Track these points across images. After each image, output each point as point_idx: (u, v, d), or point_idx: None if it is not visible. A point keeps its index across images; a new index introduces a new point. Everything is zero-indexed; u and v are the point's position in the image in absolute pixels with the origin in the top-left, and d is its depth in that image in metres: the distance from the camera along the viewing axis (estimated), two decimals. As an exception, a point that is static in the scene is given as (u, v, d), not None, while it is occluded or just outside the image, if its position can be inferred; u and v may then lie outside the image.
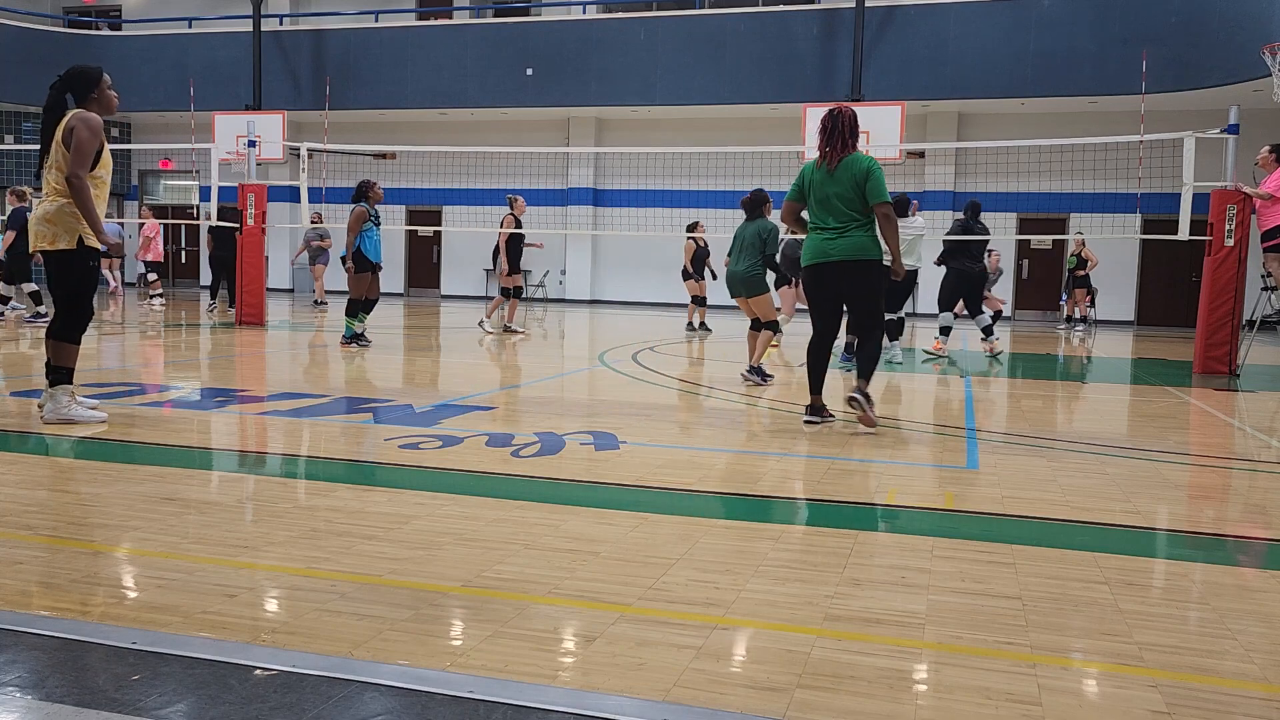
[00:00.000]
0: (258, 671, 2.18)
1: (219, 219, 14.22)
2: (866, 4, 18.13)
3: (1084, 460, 4.99)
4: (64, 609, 2.52)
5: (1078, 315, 17.39)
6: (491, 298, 23.01)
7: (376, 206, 10.24)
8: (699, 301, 13.67)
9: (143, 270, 18.29)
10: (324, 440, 5.03)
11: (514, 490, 4.05)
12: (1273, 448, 5.66)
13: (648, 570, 2.97)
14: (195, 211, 24.82)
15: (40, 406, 5.38)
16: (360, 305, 10.20)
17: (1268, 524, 3.86)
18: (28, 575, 2.78)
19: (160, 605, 2.57)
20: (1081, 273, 17.05)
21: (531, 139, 22.57)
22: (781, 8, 20.04)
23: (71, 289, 5.22)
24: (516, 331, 12.46)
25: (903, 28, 18.72)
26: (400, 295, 23.92)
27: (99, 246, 5.24)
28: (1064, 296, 18.11)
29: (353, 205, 10.21)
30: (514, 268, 12.41)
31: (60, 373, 5.22)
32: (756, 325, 8.18)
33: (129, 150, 25.50)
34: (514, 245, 12.33)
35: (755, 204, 8.19)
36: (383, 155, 20.42)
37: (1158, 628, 2.62)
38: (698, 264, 13.50)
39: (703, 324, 13.69)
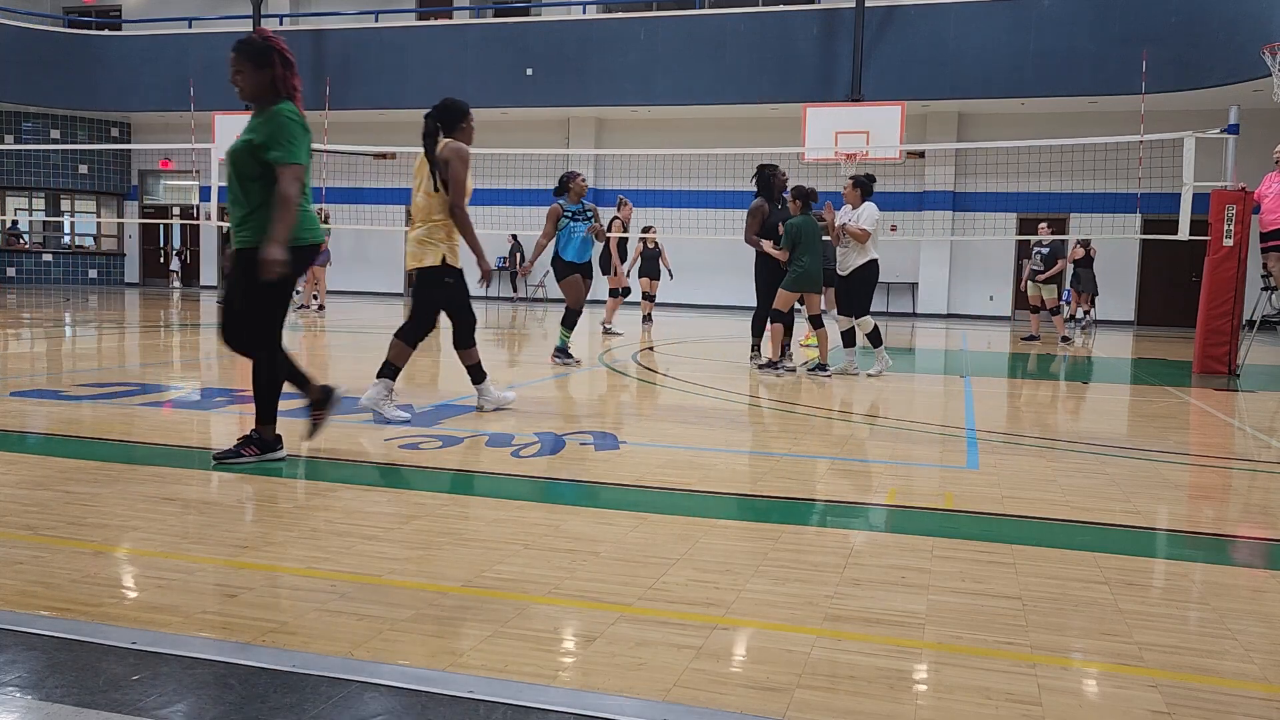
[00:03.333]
0: (258, 671, 2.18)
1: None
2: (866, 4, 18.14)
3: (1084, 460, 4.99)
4: (64, 609, 2.52)
5: (1077, 314, 17.37)
6: (504, 299, 23.07)
7: (582, 201, 9.05)
8: (648, 298, 15.03)
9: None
10: (324, 440, 5.02)
11: (514, 490, 4.05)
12: (1273, 448, 5.66)
13: (648, 570, 2.97)
14: (195, 211, 24.83)
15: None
16: (576, 315, 8.97)
17: (1268, 524, 3.86)
18: (28, 575, 2.77)
19: (160, 605, 2.57)
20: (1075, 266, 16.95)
21: (531, 139, 22.55)
22: (781, 8, 20.04)
23: (423, 300, 5.63)
24: (615, 333, 12.90)
25: (903, 28, 18.71)
26: (400, 295, 23.93)
27: (456, 265, 5.61)
28: (1067, 297, 18.09)
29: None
30: (616, 269, 13.56)
31: (386, 367, 5.65)
32: (818, 322, 8.66)
33: (129, 150, 25.51)
34: (620, 245, 13.48)
35: (810, 196, 8.41)
36: (383, 155, 20.44)
37: (1158, 628, 2.62)
38: (650, 263, 14.93)
39: (648, 316, 14.90)
